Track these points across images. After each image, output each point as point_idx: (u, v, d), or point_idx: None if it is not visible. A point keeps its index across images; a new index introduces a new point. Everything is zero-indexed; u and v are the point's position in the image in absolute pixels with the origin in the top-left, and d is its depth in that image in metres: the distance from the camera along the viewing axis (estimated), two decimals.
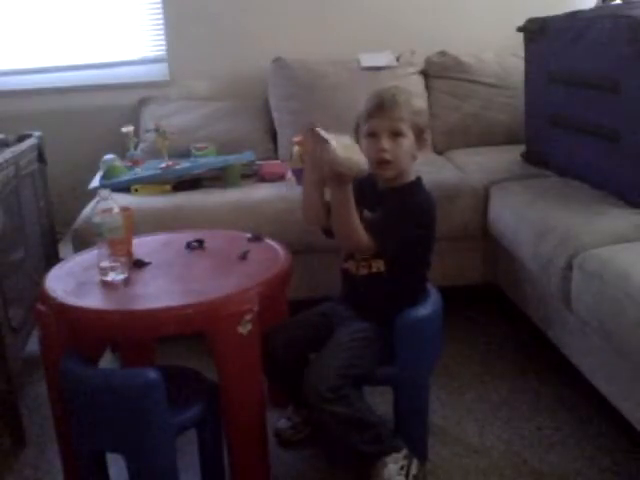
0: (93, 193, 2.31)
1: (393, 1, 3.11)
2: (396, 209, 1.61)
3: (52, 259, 2.37)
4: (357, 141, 1.67)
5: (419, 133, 1.64)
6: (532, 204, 2.07)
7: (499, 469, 1.69)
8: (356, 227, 1.55)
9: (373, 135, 1.61)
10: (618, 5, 2.48)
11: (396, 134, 1.60)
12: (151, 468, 1.46)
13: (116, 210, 1.58)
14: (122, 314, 1.50)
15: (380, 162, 1.61)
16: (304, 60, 2.92)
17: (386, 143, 1.59)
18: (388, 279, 1.64)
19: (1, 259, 1.91)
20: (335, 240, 1.66)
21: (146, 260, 1.71)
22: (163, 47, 3.13)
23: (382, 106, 1.60)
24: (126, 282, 1.59)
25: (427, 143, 1.68)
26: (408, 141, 1.61)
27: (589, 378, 1.78)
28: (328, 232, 1.69)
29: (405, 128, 1.60)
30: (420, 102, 1.71)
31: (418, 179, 1.68)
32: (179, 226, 2.08)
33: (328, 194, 1.60)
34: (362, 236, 1.56)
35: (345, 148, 1.47)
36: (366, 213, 1.65)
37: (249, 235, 1.86)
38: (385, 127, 1.60)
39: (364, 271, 1.67)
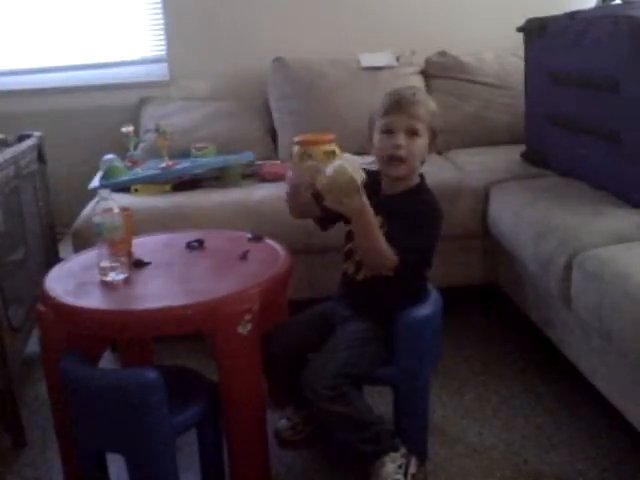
0: (93, 193, 2.31)
1: (393, 1, 3.11)
2: (414, 220, 1.59)
3: (52, 259, 2.37)
4: (370, 137, 1.67)
5: (433, 136, 1.63)
6: (532, 204, 2.07)
7: (499, 469, 1.69)
8: (384, 250, 1.53)
9: (389, 132, 1.60)
10: (618, 5, 2.48)
11: (413, 132, 1.59)
12: (151, 468, 1.46)
13: (116, 210, 1.58)
14: (122, 314, 1.50)
15: (392, 158, 1.60)
16: (304, 60, 2.92)
17: (402, 140, 1.58)
18: (389, 281, 1.62)
19: (1, 259, 1.91)
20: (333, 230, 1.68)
21: (146, 260, 1.70)
22: (163, 47, 3.14)
23: (401, 103, 1.59)
24: (126, 282, 1.59)
25: (436, 147, 1.68)
26: (423, 142, 1.60)
27: (589, 378, 1.78)
28: (322, 223, 1.69)
29: (422, 128, 1.59)
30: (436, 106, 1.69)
31: (422, 179, 1.69)
32: (179, 226, 2.09)
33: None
34: (390, 256, 1.53)
35: (336, 167, 1.44)
36: None
37: (249, 235, 1.86)
38: (402, 124, 1.58)
39: (362, 275, 1.66)
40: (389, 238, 1.56)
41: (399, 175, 1.63)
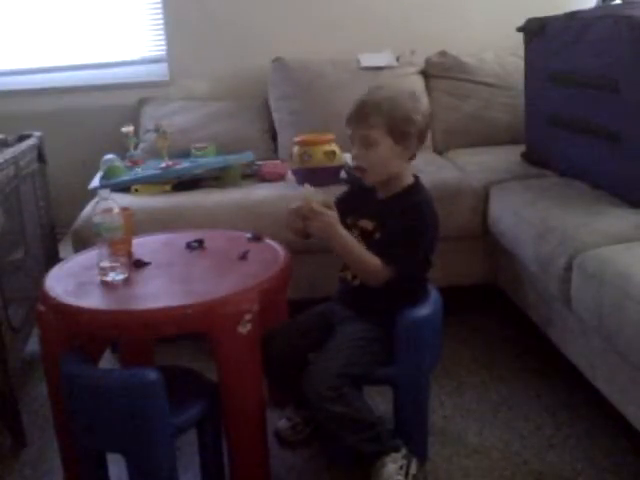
0: (93, 193, 2.31)
1: (393, 1, 3.11)
2: (407, 231, 1.58)
3: (52, 259, 2.37)
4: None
5: (401, 136, 1.58)
6: (532, 204, 2.07)
7: (499, 469, 1.69)
8: (369, 266, 1.56)
9: (351, 143, 1.63)
10: (618, 5, 2.48)
11: (367, 143, 1.58)
12: (151, 468, 1.46)
13: (116, 210, 1.58)
14: (122, 314, 1.50)
15: (357, 169, 1.64)
16: (304, 60, 2.92)
17: (357, 152, 1.60)
18: (387, 285, 1.60)
19: (1, 259, 1.91)
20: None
21: (146, 260, 1.70)
22: (163, 47, 3.13)
23: (352, 115, 1.60)
24: (126, 282, 1.59)
25: (416, 144, 1.61)
26: (382, 148, 1.58)
27: (589, 378, 1.78)
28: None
29: (376, 136, 1.57)
30: (410, 102, 1.63)
31: (416, 180, 1.67)
32: (179, 226, 2.09)
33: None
34: (379, 271, 1.56)
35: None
36: (365, 222, 1.65)
37: (249, 235, 1.86)
38: (357, 136, 1.60)
39: (359, 280, 1.66)
40: (383, 247, 1.57)
41: (369, 183, 1.66)
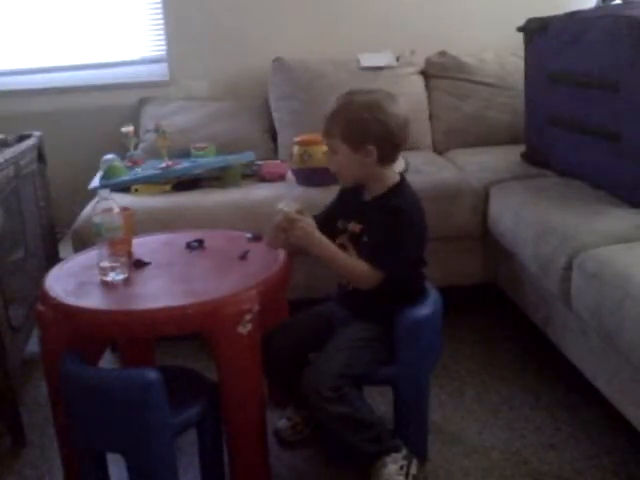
0: (93, 193, 2.31)
1: (393, 1, 3.11)
2: (391, 234, 1.56)
3: (52, 259, 2.37)
4: None
5: (357, 144, 1.57)
6: (532, 204, 2.07)
7: (499, 469, 1.69)
8: (354, 270, 1.58)
9: None
10: (618, 5, 2.49)
11: (330, 151, 1.64)
12: (151, 468, 1.46)
13: (116, 210, 1.58)
14: (122, 314, 1.50)
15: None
16: (304, 60, 2.92)
17: (328, 157, 1.67)
18: (381, 287, 1.60)
19: (1, 259, 1.91)
20: None
21: (146, 260, 1.70)
22: (163, 47, 3.14)
23: (323, 123, 1.64)
24: (126, 282, 1.59)
25: (380, 149, 1.57)
26: (341, 156, 1.60)
27: (589, 378, 1.78)
28: None
29: (335, 144, 1.61)
30: (369, 111, 1.57)
31: (401, 180, 1.66)
32: (179, 226, 2.09)
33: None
34: (368, 274, 1.56)
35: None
36: (353, 225, 1.65)
37: (249, 235, 1.86)
38: (326, 143, 1.66)
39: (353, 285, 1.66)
40: (370, 251, 1.58)
41: (344, 185, 1.71)
